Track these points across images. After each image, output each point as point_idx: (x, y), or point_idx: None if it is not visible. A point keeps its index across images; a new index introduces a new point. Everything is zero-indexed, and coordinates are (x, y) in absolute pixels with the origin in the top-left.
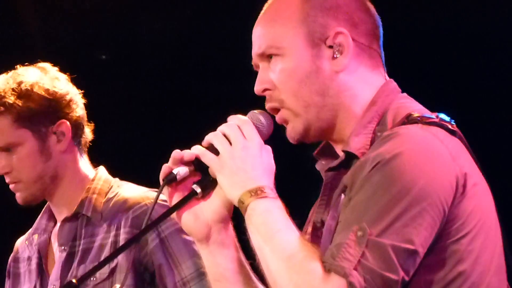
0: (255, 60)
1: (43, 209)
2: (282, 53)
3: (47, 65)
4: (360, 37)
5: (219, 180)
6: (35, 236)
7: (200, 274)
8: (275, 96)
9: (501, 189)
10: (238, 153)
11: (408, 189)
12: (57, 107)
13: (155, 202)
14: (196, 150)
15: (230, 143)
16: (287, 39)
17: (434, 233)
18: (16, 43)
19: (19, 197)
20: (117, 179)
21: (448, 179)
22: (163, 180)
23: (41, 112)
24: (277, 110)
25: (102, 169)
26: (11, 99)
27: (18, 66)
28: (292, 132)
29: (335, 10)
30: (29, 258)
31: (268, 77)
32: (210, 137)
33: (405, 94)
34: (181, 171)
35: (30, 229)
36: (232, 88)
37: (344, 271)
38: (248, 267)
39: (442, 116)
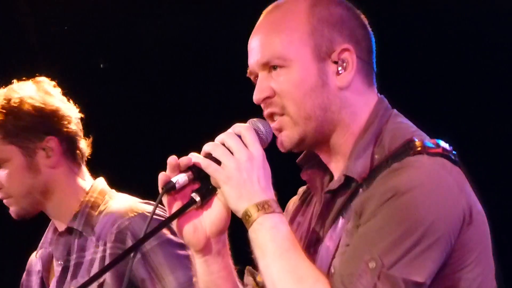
0: (254, 68)
1: (50, 223)
2: (288, 65)
3: (43, 79)
4: (361, 54)
5: (225, 191)
6: (42, 250)
7: None
8: (276, 102)
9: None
10: (244, 164)
11: (420, 224)
12: (45, 124)
13: (154, 211)
14: (197, 159)
15: (232, 153)
16: (294, 51)
17: (439, 265)
18: (15, 53)
19: (12, 211)
20: (113, 190)
21: (457, 213)
22: (162, 188)
23: (28, 129)
24: (276, 115)
25: (99, 181)
26: None
27: (14, 81)
28: (287, 141)
29: (340, 25)
30: (39, 272)
31: (268, 85)
32: (209, 148)
33: (395, 111)
34: (180, 179)
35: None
36: (233, 96)
37: None
38: (234, 273)
39: (443, 144)
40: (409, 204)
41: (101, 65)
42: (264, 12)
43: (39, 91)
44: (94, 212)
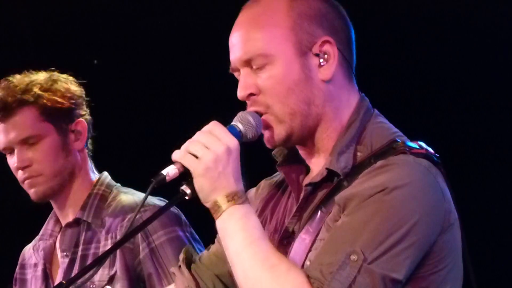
0: (236, 65)
1: (49, 216)
2: (270, 61)
3: (54, 73)
4: (341, 46)
5: (199, 182)
6: (41, 242)
7: None
8: (260, 100)
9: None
10: (221, 157)
11: (405, 222)
12: (76, 106)
13: (143, 203)
14: (175, 154)
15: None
16: (276, 47)
17: (416, 265)
18: (8, 49)
19: (35, 192)
20: (118, 184)
21: (438, 217)
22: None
23: (63, 108)
24: (260, 114)
25: (105, 174)
26: (38, 91)
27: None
28: (275, 137)
29: (319, 18)
30: (35, 265)
31: (252, 82)
32: (186, 145)
33: (377, 111)
34: (170, 171)
35: (37, 236)
36: (229, 90)
37: None
38: None
39: (425, 146)
40: (395, 201)
41: (95, 61)
42: (244, 8)
43: (61, 77)
44: (102, 205)
